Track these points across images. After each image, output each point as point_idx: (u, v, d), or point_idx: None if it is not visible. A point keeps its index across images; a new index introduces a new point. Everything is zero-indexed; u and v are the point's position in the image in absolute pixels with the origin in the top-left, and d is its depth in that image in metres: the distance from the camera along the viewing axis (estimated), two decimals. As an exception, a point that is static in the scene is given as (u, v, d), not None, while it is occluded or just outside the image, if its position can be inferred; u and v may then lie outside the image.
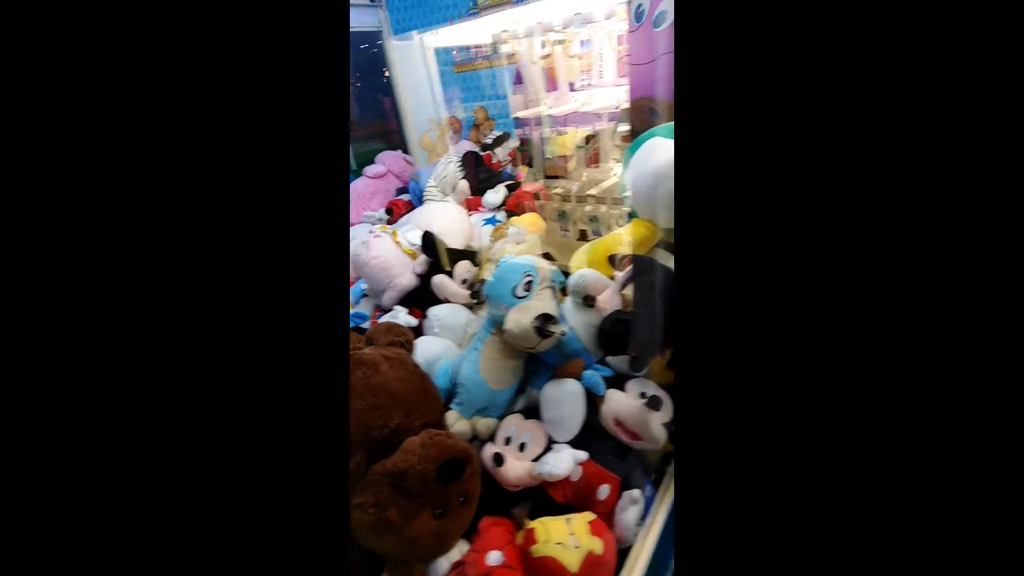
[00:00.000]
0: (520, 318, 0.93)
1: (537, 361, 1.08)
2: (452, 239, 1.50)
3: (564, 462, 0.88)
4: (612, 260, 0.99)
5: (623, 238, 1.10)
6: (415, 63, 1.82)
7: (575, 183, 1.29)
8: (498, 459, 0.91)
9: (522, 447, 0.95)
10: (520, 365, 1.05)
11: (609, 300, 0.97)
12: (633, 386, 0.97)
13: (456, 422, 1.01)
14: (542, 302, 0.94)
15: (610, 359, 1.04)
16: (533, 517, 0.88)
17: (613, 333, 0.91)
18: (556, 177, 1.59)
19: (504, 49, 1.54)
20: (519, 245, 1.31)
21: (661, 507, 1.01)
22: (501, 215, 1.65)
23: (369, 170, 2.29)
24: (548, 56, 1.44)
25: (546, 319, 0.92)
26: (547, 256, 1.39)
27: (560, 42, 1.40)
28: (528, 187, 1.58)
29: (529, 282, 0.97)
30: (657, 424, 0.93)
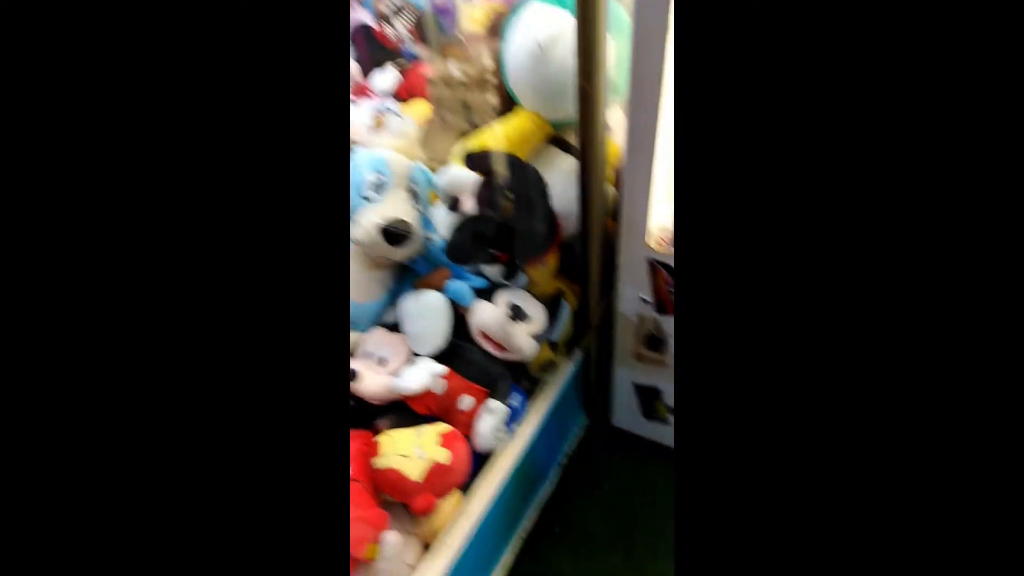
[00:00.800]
0: (365, 223, 0.81)
1: (410, 272, 0.99)
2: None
3: (419, 376, 0.84)
4: (469, 160, 0.85)
5: (503, 132, 0.96)
6: None
7: (460, 66, 1.09)
8: (351, 374, 0.85)
9: (382, 361, 0.90)
10: (387, 276, 0.96)
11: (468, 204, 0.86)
12: (502, 296, 0.92)
13: (317, 337, 0.94)
14: (393, 205, 0.82)
15: (485, 268, 0.96)
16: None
17: (452, 242, 0.82)
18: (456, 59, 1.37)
19: None
20: (398, 139, 1.15)
21: (533, 415, 1.02)
22: (393, 103, 1.43)
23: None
24: None
25: (397, 224, 0.81)
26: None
27: None
28: (421, 70, 1.35)
29: (380, 182, 0.84)
30: (522, 335, 0.89)
